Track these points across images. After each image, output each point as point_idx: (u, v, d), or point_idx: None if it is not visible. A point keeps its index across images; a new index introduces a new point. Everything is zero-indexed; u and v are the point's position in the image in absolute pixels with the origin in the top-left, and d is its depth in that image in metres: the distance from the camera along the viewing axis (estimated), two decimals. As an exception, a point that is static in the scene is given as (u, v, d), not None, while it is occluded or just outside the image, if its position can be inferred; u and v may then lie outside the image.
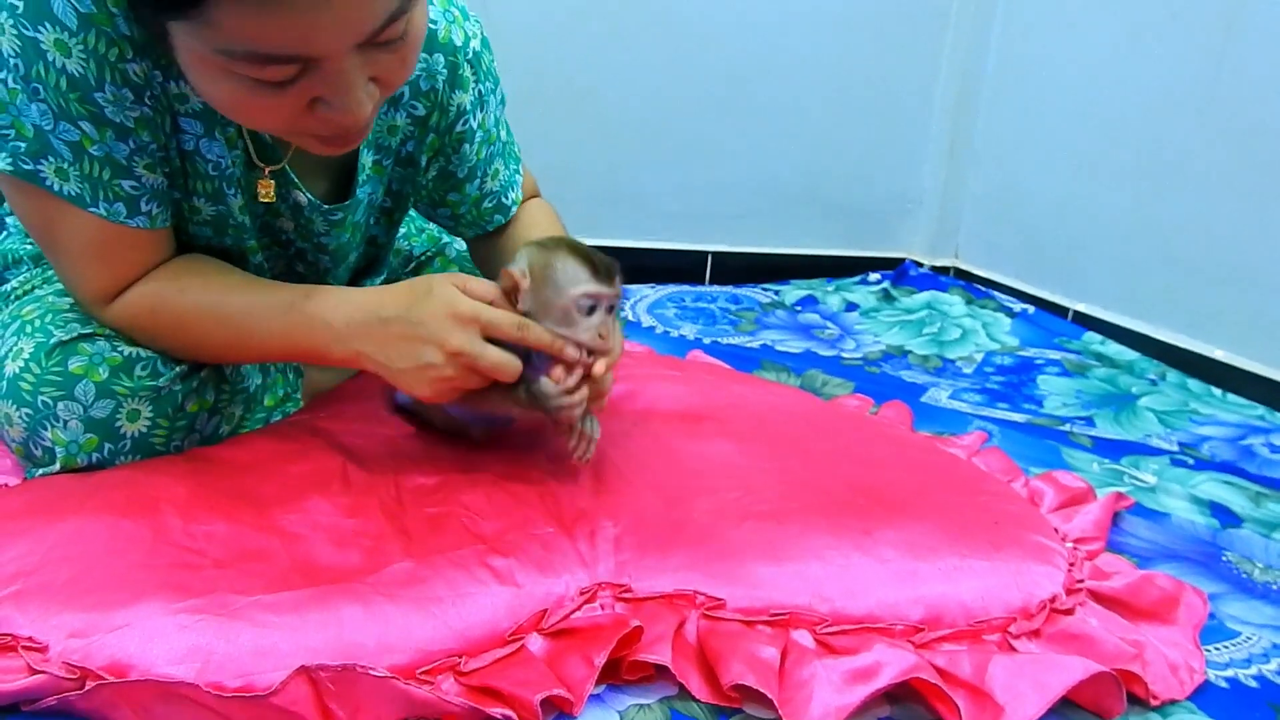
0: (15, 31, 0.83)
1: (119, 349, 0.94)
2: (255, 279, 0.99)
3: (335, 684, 0.67)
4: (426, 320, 0.88)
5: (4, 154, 0.86)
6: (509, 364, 0.88)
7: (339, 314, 0.91)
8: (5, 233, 1.13)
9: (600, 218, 2.06)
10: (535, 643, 0.77)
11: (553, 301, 0.88)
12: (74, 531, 0.81)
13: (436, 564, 0.81)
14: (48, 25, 0.83)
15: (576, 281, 0.88)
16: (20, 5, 0.82)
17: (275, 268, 1.09)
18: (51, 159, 0.87)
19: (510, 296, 0.90)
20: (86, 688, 0.67)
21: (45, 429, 0.92)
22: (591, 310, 0.89)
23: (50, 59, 0.84)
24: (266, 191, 0.99)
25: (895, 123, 2.19)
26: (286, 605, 0.75)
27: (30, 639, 0.70)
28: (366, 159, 1.05)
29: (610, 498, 0.96)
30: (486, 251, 1.20)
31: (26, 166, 0.87)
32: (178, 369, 0.96)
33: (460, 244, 1.36)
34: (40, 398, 0.91)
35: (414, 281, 0.91)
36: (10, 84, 0.84)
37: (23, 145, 0.86)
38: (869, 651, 0.77)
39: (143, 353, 0.94)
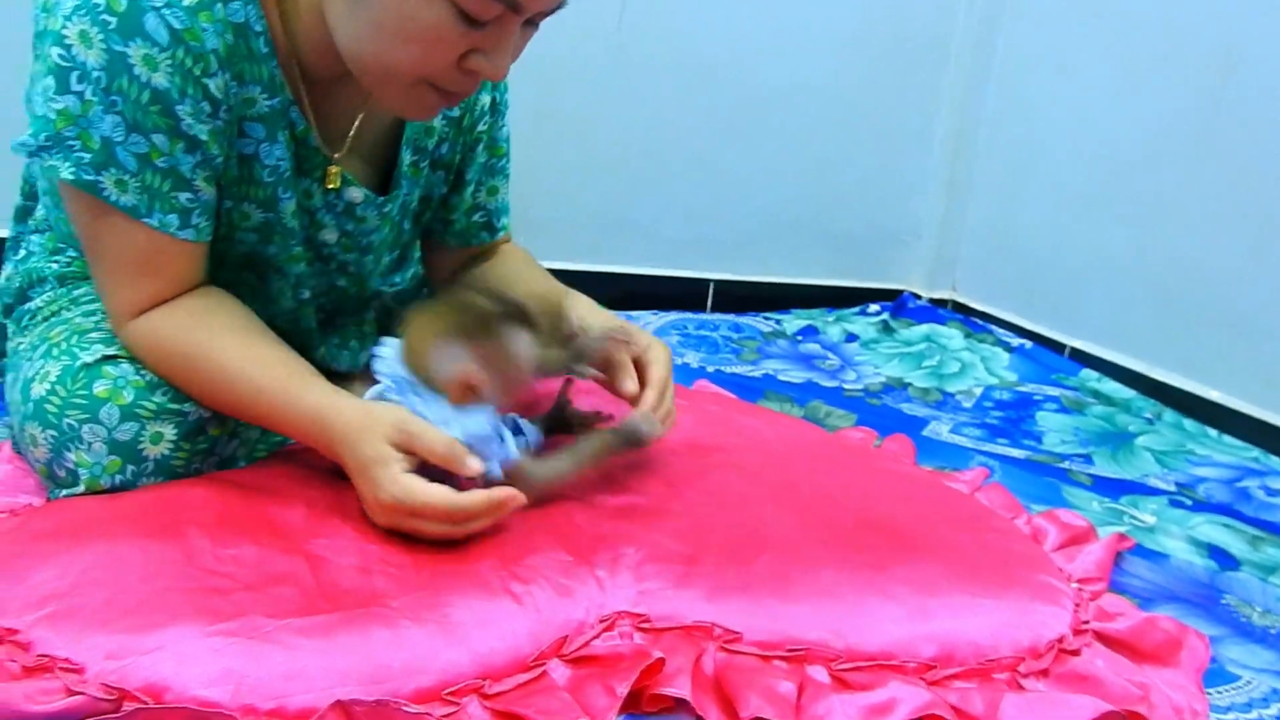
0: (104, 45, 0.86)
1: (142, 372, 0.95)
2: (270, 349, 0.97)
3: (369, 717, 0.68)
4: (373, 500, 0.89)
5: (68, 163, 0.89)
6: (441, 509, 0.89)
7: (317, 430, 0.93)
8: (28, 252, 1.14)
9: (603, 245, 2.09)
10: (557, 669, 0.79)
11: (512, 377, 0.94)
12: (105, 554, 0.82)
13: (459, 588, 0.83)
14: (138, 40, 0.86)
15: (525, 348, 0.94)
16: (113, 20, 0.86)
17: (317, 285, 1.12)
18: (114, 170, 0.90)
19: (472, 393, 0.91)
20: (124, 710, 0.68)
21: (69, 451, 0.93)
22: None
23: (135, 73, 0.87)
24: (334, 176, 1.03)
25: (895, 155, 2.22)
26: (316, 629, 0.76)
27: (67, 660, 0.72)
28: (406, 156, 1.09)
29: (628, 525, 0.97)
30: (455, 269, 1.22)
31: (88, 177, 0.90)
32: None
33: None
34: (65, 420, 0.93)
35: (364, 434, 0.89)
36: (87, 96, 0.87)
37: (87, 156, 0.89)
38: (885, 688, 0.79)
39: None
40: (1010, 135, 2.09)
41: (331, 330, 1.19)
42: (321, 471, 1.02)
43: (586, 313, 1.10)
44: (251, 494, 0.96)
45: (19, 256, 1.14)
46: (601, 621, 0.84)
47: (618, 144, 2.05)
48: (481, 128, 1.15)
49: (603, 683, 0.77)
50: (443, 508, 0.87)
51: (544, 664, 0.79)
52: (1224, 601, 1.04)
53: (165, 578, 0.80)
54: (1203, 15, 1.66)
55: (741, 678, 0.80)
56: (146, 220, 0.92)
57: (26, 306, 1.09)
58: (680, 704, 0.79)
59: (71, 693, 0.69)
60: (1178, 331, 1.70)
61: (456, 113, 1.12)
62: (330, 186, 1.04)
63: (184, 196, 0.94)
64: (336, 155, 1.04)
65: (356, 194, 1.06)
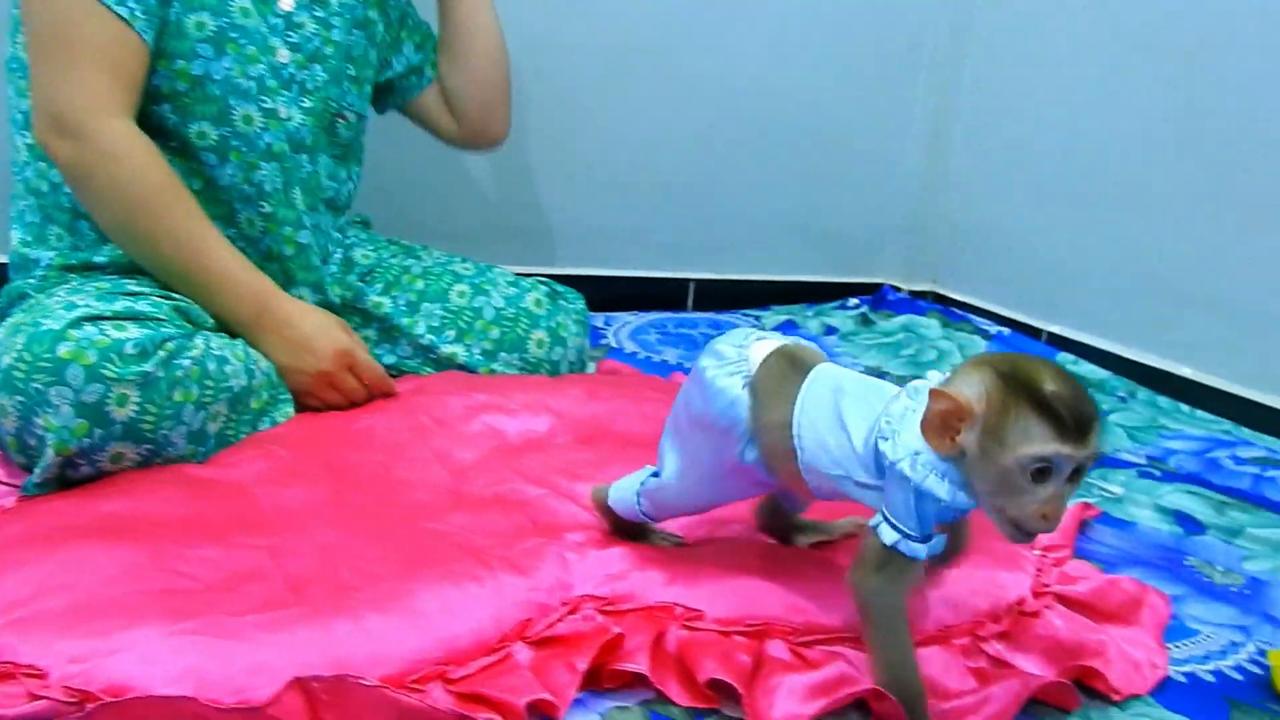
0: None
1: (106, 332, 0.98)
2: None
3: (328, 694, 0.70)
4: (324, 349, 1.17)
5: None
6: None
7: (261, 302, 1.15)
8: (10, 281, 1.20)
9: (587, 248, 2.10)
10: (521, 651, 0.80)
11: (996, 457, 0.68)
12: (72, 558, 0.84)
13: (425, 578, 0.84)
14: None
15: (1031, 440, 0.66)
16: None
17: (281, 155, 1.23)
18: None
19: (948, 419, 0.70)
20: (87, 709, 0.69)
21: (37, 416, 0.96)
22: (1042, 474, 0.67)
23: None
24: None
25: (874, 154, 2.24)
26: (279, 623, 0.77)
27: (31, 666, 0.72)
28: None
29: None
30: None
31: None
32: (162, 352, 1.00)
33: None
34: (33, 384, 0.95)
35: (321, 316, 1.20)
36: None
37: None
38: (840, 663, 0.80)
39: (130, 336, 0.98)
40: (985, 133, 2.10)
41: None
42: (291, 467, 1.03)
43: None
44: (221, 492, 0.98)
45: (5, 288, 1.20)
46: (565, 605, 0.85)
47: (604, 152, 2.07)
48: None
49: (564, 660, 0.78)
50: (377, 367, 1.21)
51: (507, 646, 0.80)
52: (1187, 563, 1.05)
53: (131, 580, 0.81)
54: (1179, 6, 1.68)
55: (701, 650, 0.81)
56: None
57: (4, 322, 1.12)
58: (641, 678, 0.80)
59: (34, 697, 0.70)
60: (1152, 313, 1.70)
61: None
62: None
63: None
64: None
65: (287, 2, 1.20)
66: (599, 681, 0.79)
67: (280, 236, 1.24)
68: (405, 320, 1.35)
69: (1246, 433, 1.46)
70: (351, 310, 1.35)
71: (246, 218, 1.21)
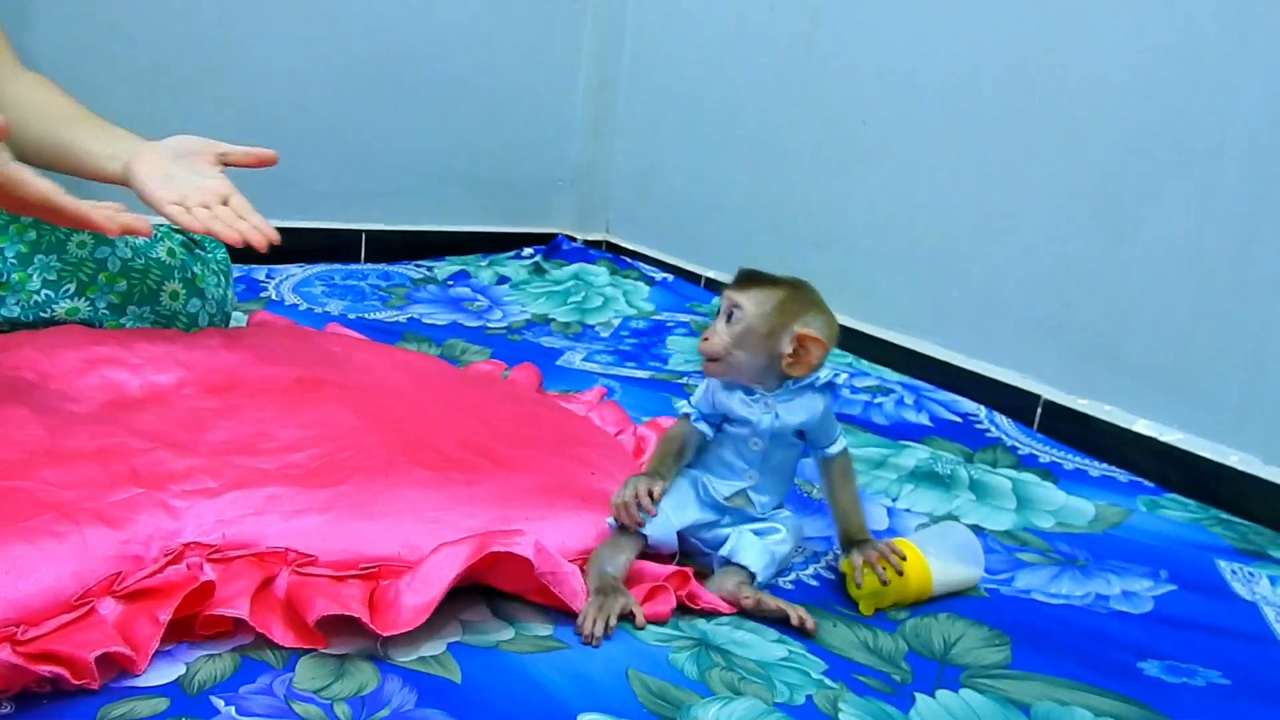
0: None
1: None
2: None
3: None
4: None
5: None
6: None
7: None
8: None
9: (247, 198, 2.01)
10: (107, 606, 0.77)
11: None
12: None
13: (-9, 538, 0.78)
14: None
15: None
16: None
17: None
18: None
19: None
20: None
21: None
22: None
23: None
24: None
25: (543, 102, 2.27)
26: None
27: None
28: None
29: (214, 460, 0.96)
30: None
31: None
32: None
33: None
34: None
35: None
36: None
37: None
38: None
39: None
40: (646, 82, 2.17)
41: None
42: None
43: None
44: None
45: None
46: (166, 555, 0.82)
47: (252, 95, 1.97)
48: None
49: (149, 613, 0.75)
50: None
51: (90, 602, 0.76)
52: (794, 485, 1.15)
53: None
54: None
55: (312, 593, 0.80)
56: None
57: None
58: (239, 628, 0.79)
59: None
60: (781, 256, 1.81)
61: None
62: None
63: None
64: None
65: None
66: (194, 632, 0.77)
67: None
68: (15, 275, 1.24)
69: (865, 365, 1.61)
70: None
71: None
